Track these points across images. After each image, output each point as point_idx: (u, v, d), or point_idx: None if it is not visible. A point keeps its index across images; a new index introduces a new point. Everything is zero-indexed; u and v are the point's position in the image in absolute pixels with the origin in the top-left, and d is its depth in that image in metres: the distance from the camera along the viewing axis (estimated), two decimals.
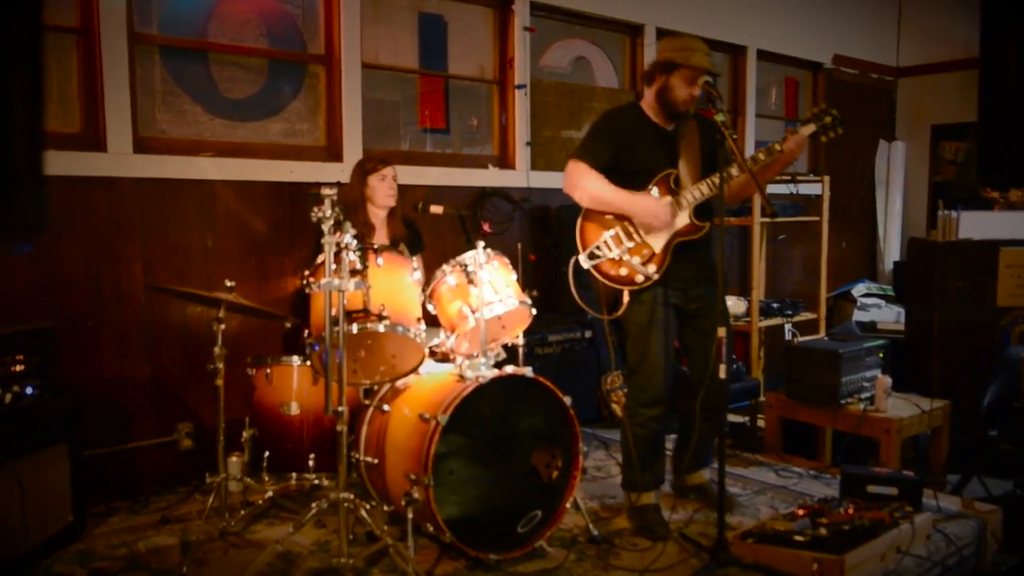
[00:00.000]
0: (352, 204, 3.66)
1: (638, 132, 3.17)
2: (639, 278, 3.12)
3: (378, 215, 3.78)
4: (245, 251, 3.92)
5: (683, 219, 3.13)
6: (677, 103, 3.11)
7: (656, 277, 3.12)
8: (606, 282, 3.15)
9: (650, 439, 3.24)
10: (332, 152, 4.26)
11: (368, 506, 2.88)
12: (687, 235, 3.13)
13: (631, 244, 3.12)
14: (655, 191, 3.15)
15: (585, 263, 3.13)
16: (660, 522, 3.20)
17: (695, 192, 3.10)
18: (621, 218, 3.13)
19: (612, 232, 3.13)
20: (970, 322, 4.49)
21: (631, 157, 3.14)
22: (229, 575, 2.84)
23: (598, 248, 3.12)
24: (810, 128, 3.09)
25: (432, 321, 3.25)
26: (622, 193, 3.08)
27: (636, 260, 3.12)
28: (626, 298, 3.14)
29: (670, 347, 3.21)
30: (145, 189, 3.63)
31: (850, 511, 2.96)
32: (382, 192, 3.73)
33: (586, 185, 3.09)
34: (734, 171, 3.12)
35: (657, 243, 3.12)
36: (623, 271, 3.12)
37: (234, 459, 3.32)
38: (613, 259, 3.12)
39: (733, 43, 6.30)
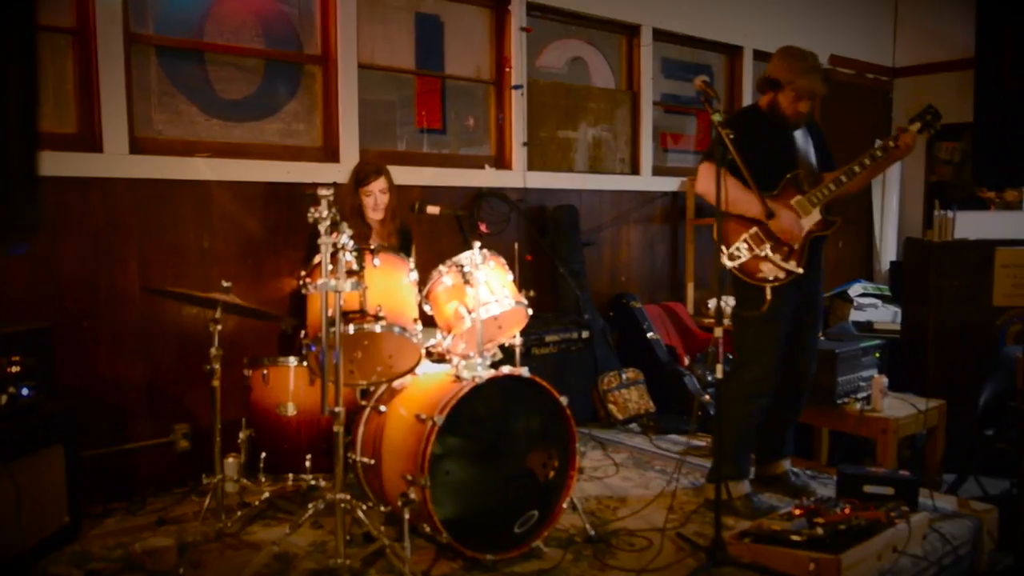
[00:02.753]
0: (348, 211, 3.66)
1: (759, 134, 3.30)
2: (781, 275, 3.28)
3: (373, 219, 3.78)
4: (241, 252, 3.92)
5: (815, 216, 3.33)
6: (786, 118, 3.33)
7: (800, 271, 3.28)
8: (748, 280, 3.29)
9: (755, 428, 3.43)
10: (328, 152, 4.26)
11: (365, 507, 2.88)
12: (819, 231, 3.34)
13: (770, 242, 3.28)
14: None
15: (728, 263, 3.29)
16: (749, 505, 3.36)
17: (824, 191, 3.31)
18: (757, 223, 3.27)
19: (752, 232, 3.29)
20: (966, 322, 4.50)
21: (754, 159, 3.10)
22: None
23: (737, 249, 3.29)
24: (916, 125, 3.38)
25: (429, 321, 3.24)
26: (758, 205, 3.08)
27: (778, 257, 3.29)
28: (768, 295, 3.23)
29: (784, 341, 3.39)
30: (141, 190, 3.63)
31: (846, 511, 2.96)
32: (368, 206, 3.73)
33: (711, 188, 3.05)
34: (856, 168, 3.32)
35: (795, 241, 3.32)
36: (767, 269, 3.28)
37: (231, 460, 3.31)
38: (759, 257, 3.28)
39: (729, 43, 6.31)
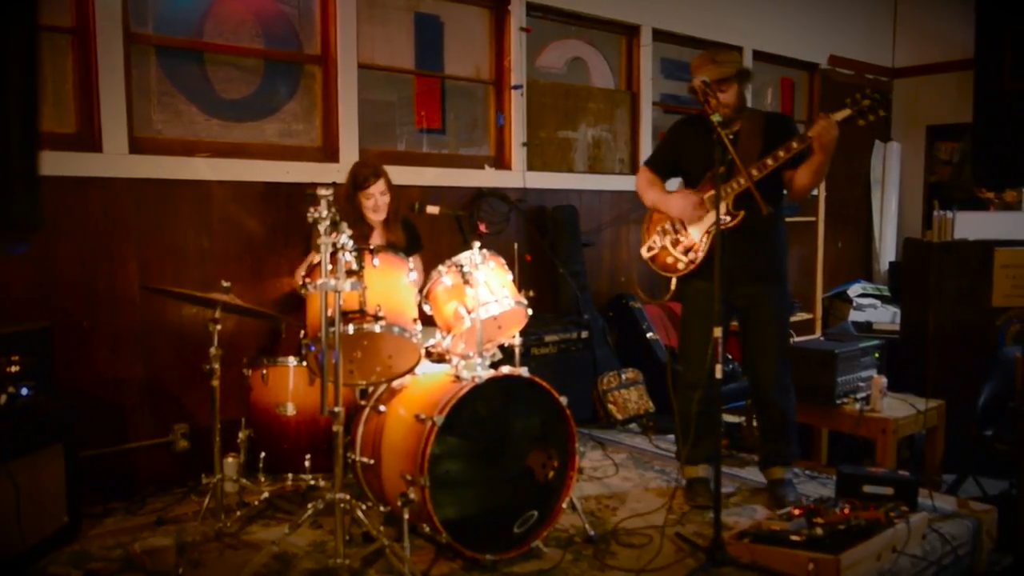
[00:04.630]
0: (347, 213, 3.65)
1: (695, 136, 3.42)
2: (680, 266, 3.47)
3: (375, 220, 3.78)
4: (241, 252, 3.92)
5: (721, 209, 3.28)
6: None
7: (694, 266, 3.41)
8: (659, 271, 3.56)
9: (690, 417, 3.43)
10: (328, 153, 4.26)
11: (364, 507, 2.88)
12: (726, 225, 3.28)
13: (676, 236, 3.48)
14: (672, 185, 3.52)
15: (644, 254, 3.59)
16: (703, 492, 3.48)
17: (733, 184, 3.28)
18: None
19: (662, 225, 3.54)
20: (965, 322, 4.50)
21: (688, 158, 3.50)
22: None
23: (654, 241, 3.55)
24: (844, 113, 3.20)
25: (428, 321, 3.25)
26: (660, 193, 3.54)
27: (679, 249, 3.47)
28: (672, 285, 3.50)
29: (710, 336, 3.33)
30: (141, 190, 3.63)
31: (846, 511, 2.96)
32: (368, 208, 3.73)
33: (639, 188, 3.63)
34: (769, 161, 3.23)
35: (695, 233, 3.43)
36: (669, 260, 3.51)
37: (230, 460, 3.32)
38: (663, 248, 3.52)
39: (729, 44, 6.30)
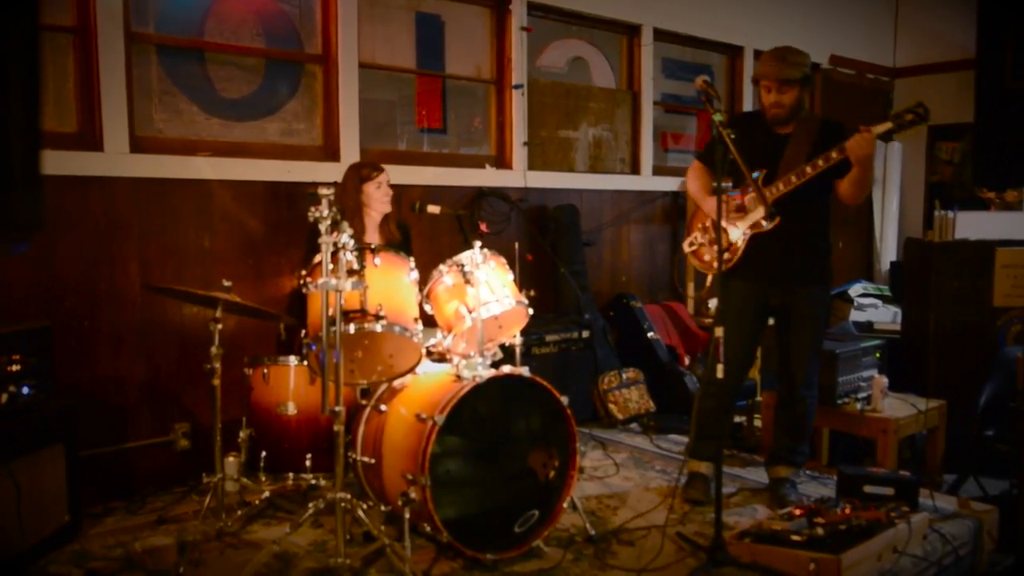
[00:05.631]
0: (348, 210, 3.66)
1: (748, 135, 3.35)
2: (716, 264, 3.39)
3: (372, 219, 3.78)
4: (242, 251, 3.92)
5: (759, 212, 3.35)
6: (764, 108, 3.39)
7: (728, 266, 3.43)
8: (698, 266, 3.64)
9: (703, 413, 3.54)
10: (329, 152, 4.26)
11: (365, 506, 2.88)
12: (760, 230, 3.36)
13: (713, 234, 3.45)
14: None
15: (686, 248, 3.67)
16: (699, 487, 3.50)
17: (772, 190, 3.29)
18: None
19: (703, 223, 3.58)
20: (966, 322, 4.50)
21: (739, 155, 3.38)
22: (226, 575, 2.83)
23: (695, 237, 3.61)
24: (885, 126, 3.16)
25: (429, 321, 3.24)
26: (701, 191, 3.53)
27: (716, 249, 3.39)
28: (708, 282, 3.59)
29: (747, 336, 3.46)
30: (141, 189, 3.63)
31: (847, 511, 2.96)
32: (378, 199, 3.73)
33: (688, 179, 3.63)
34: (808, 170, 3.24)
35: (734, 234, 3.45)
36: (707, 257, 3.59)
37: (231, 459, 3.31)
38: (702, 245, 3.59)
39: (730, 43, 6.31)
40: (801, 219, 3.31)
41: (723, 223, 3.39)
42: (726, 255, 3.42)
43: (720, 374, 2.86)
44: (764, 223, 3.33)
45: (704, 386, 3.55)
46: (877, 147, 7.59)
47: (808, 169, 3.23)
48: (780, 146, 3.37)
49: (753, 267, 3.40)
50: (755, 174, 3.28)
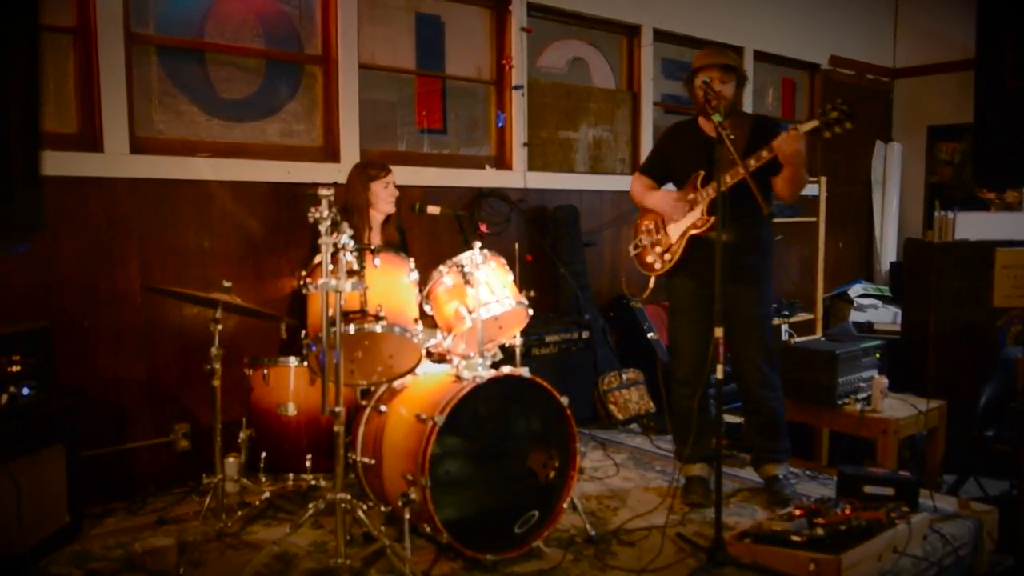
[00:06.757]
0: (355, 209, 3.66)
1: (685, 140, 3.56)
2: (657, 265, 3.57)
3: (376, 219, 3.78)
4: (242, 252, 3.92)
5: (696, 214, 3.42)
6: (696, 107, 3.42)
7: (668, 266, 3.51)
8: (640, 269, 3.66)
9: (682, 415, 3.56)
10: (329, 152, 4.26)
11: (365, 507, 2.88)
12: (699, 229, 3.41)
13: (657, 236, 3.58)
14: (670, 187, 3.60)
15: (631, 252, 3.70)
16: (698, 490, 3.51)
17: (709, 190, 3.33)
18: (656, 213, 3.59)
19: (646, 225, 3.63)
20: (966, 323, 4.50)
21: (677, 162, 3.58)
22: None
23: (639, 240, 3.65)
24: (811, 124, 3.17)
25: (429, 322, 3.24)
26: (646, 192, 3.63)
27: (658, 249, 3.56)
28: (651, 284, 3.69)
29: (700, 334, 3.43)
30: (141, 189, 3.63)
31: (847, 511, 2.96)
32: (384, 199, 3.74)
33: (632, 192, 3.71)
34: (740, 170, 3.15)
35: (673, 234, 3.51)
36: (649, 259, 3.60)
37: (231, 460, 3.31)
38: (644, 248, 3.62)
39: (730, 44, 6.30)
40: (737, 218, 3.19)
41: (664, 224, 3.55)
42: (666, 256, 3.52)
43: (720, 375, 2.87)
44: (699, 224, 3.39)
45: (676, 387, 3.57)
46: (877, 148, 7.58)
47: (741, 170, 3.15)
48: (714, 148, 3.27)
49: (694, 266, 3.44)
50: (692, 175, 3.42)
